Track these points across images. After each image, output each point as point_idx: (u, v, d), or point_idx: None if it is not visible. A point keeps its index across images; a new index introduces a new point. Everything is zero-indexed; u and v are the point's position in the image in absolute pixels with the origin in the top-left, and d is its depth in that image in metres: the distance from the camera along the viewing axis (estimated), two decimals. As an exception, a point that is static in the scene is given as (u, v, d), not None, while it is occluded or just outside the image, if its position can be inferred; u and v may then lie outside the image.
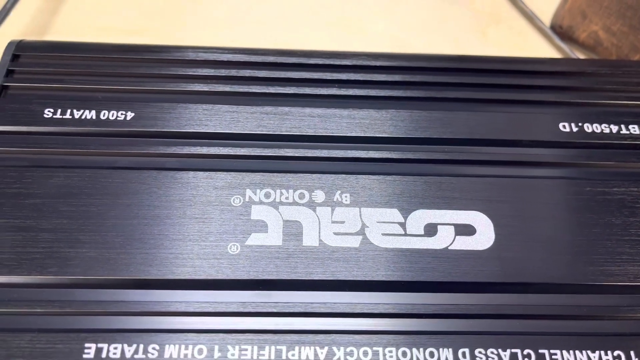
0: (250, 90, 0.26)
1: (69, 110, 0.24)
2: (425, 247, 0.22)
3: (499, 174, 0.24)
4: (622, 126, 0.25)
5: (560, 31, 0.37)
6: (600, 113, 0.26)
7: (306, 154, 0.24)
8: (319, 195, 0.23)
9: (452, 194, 0.23)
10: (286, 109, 0.25)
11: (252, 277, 0.21)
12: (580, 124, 0.25)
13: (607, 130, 0.25)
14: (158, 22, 0.36)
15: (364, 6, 0.39)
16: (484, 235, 0.22)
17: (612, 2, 0.33)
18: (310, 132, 0.24)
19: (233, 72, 0.26)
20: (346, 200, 0.23)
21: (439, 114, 0.25)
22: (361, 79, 0.26)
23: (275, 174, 0.23)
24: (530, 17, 0.38)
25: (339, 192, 0.23)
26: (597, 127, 0.25)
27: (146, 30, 0.36)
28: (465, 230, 0.22)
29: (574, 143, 0.25)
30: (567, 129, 0.25)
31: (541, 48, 0.37)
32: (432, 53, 0.28)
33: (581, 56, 0.36)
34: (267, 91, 0.26)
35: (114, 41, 0.28)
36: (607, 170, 0.24)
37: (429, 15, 0.38)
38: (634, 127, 0.25)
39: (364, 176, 0.23)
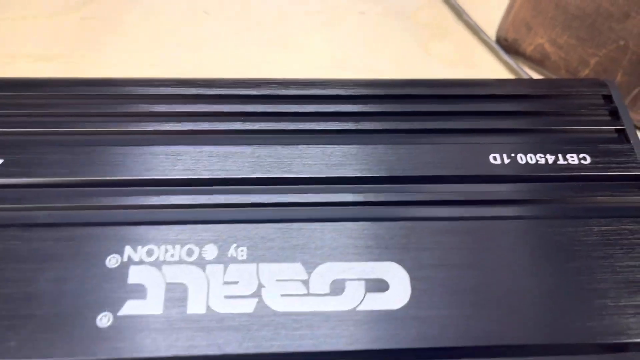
0: (136, 129, 0.23)
1: None
2: (329, 309, 0.19)
3: (418, 216, 0.21)
4: (560, 155, 0.23)
5: (505, 44, 0.34)
6: (535, 141, 0.23)
7: (199, 201, 0.21)
8: (211, 251, 0.20)
9: (364, 242, 0.20)
10: (179, 148, 0.22)
11: (124, 356, 0.18)
12: (513, 155, 0.23)
13: (542, 161, 0.23)
14: (69, 49, 0.33)
15: (302, 24, 0.36)
16: (399, 291, 0.19)
17: (557, 13, 0.31)
18: (206, 175, 0.21)
19: (115, 107, 0.23)
20: (242, 256, 0.20)
21: (354, 149, 0.22)
22: (269, 110, 0.24)
23: (160, 226, 0.20)
24: (475, 31, 0.36)
25: (234, 245, 0.20)
26: (531, 158, 0.23)
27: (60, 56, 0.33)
28: (377, 285, 0.19)
29: (505, 177, 0.22)
30: (498, 161, 0.23)
31: (487, 63, 0.35)
32: (350, 78, 0.25)
33: (529, 70, 0.34)
34: (157, 128, 0.23)
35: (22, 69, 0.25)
36: (542, 207, 0.22)
37: (370, 31, 0.36)
38: (572, 157, 0.23)
39: (264, 225, 0.20)
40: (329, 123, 0.23)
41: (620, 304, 0.19)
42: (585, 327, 0.19)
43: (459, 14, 0.36)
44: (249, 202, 0.21)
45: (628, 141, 0.23)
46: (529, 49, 0.33)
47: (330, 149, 0.22)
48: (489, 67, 0.34)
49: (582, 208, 0.22)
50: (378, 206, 0.21)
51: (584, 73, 0.32)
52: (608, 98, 0.25)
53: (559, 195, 0.22)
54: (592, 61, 0.31)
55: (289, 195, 0.21)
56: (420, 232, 0.21)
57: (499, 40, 0.35)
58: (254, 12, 0.36)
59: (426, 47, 0.35)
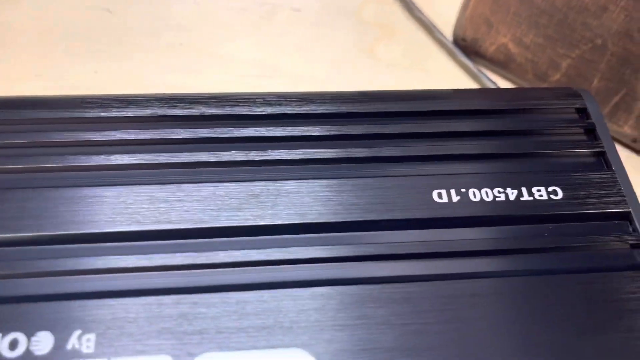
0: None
1: None
2: None
3: (333, 278, 0.16)
4: (523, 190, 0.18)
5: (464, 45, 0.29)
6: (492, 172, 0.18)
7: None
8: (45, 341, 0.14)
9: (262, 321, 0.15)
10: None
11: None
12: (463, 190, 0.18)
13: (501, 198, 0.17)
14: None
15: (224, 24, 0.30)
16: (306, 392, 0.14)
17: (521, 8, 0.26)
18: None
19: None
20: (89, 347, 0.14)
21: (258, 188, 0.17)
22: (150, 137, 0.18)
23: (-25, 308, 0.15)
24: (429, 29, 0.30)
25: (78, 332, 0.14)
26: (487, 194, 0.18)
27: None
28: (275, 384, 0.14)
29: (453, 220, 0.17)
30: (444, 199, 0.17)
31: (442, 67, 0.29)
32: (269, 91, 0.20)
33: (491, 75, 0.29)
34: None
35: None
36: (503, 261, 0.16)
37: (306, 31, 0.30)
38: (539, 191, 0.18)
39: (120, 300, 0.15)
40: (226, 153, 0.18)
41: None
42: None
43: (411, 9, 0.31)
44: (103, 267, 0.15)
45: (609, 167, 0.19)
46: (490, 49, 0.28)
47: (222, 188, 0.17)
48: (445, 72, 0.29)
49: (555, 259, 0.17)
50: (277, 265, 0.16)
51: (555, 78, 0.27)
52: (583, 112, 0.20)
53: (524, 244, 0.17)
54: (564, 64, 0.26)
55: (151, 255, 0.16)
56: (337, 302, 0.15)
57: (456, 40, 0.30)
58: (165, 9, 0.30)
59: (372, 49, 0.30)
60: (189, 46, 0.29)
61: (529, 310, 0.16)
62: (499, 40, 0.27)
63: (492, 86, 0.28)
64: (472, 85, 0.29)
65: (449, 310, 0.15)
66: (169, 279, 0.15)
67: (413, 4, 0.31)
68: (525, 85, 0.29)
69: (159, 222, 0.16)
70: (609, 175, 0.18)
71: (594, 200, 0.18)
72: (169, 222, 0.16)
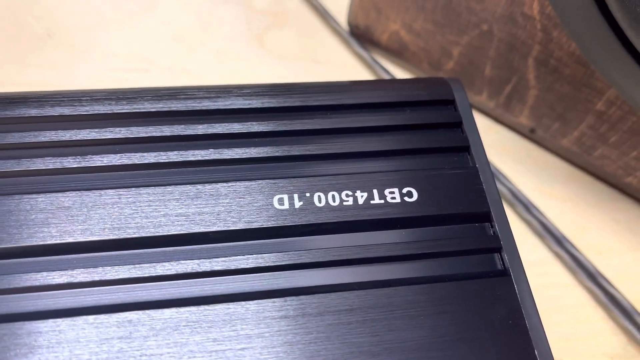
0: None
1: None
2: None
3: (147, 301, 0.14)
4: (375, 192, 0.16)
5: (358, 33, 0.27)
6: (340, 174, 0.16)
7: None
8: None
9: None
10: None
11: None
12: (307, 195, 0.16)
13: (349, 202, 0.16)
14: None
15: (98, 14, 0.28)
16: None
17: (406, -8, 0.24)
18: None
19: None
20: None
21: (53, 200, 0.15)
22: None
23: None
24: (324, 17, 0.29)
25: None
26: (333, 197, 0.16)
27: None
28: None
29: (294, 228, 0.15)
30: (285, 205, 0.16)
31: (337, 57, 0.28)
32: (140, 87, 0.17)
33: (387, 64, 0.27)
34: None
35: None
36: (348, 272, 0.15)
37: (190, 19, 0.28)
38: (392, 193, 0.16)
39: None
40: (37, 160, 0.15)
41: None
42: None
43: (306, -4, 0.29)
44: None
45: (473, 164, 0.17)
46: (383, 37, 0.26)
47: (28, 200, 0.15)
48: (339, 62, 0.27)
49: (405, 268, 0.15)
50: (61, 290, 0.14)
51: (449, 66, 0.25)
52: (451, 104, 0.18)
53: (372, 252, 0.15)
54: (455, 51, 0.24)
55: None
56: (148, 328, 0.13)
57: (351, 29, 0.28)
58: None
59: (261, 38, 0.28)
60: (56, 39, 0.26)
61: (372, 324, 0.14)
62: (390, 27, 0.26)
63: (386, 77, 0.26)
64: (367, 76, 0.27)
65: (277, 335, 0.14)
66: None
67: (309, -10, 0.29)
68: (423, 75, 0.27)
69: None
70: (471, 173, 0.17)
71: (452, 201, 0.16)
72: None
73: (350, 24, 0.28)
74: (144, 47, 0.26)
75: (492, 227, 0.16)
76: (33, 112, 0.16)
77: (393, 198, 0.16)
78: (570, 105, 0.23)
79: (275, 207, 0.15)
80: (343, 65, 0.27)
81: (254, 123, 0.17)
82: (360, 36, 0.27)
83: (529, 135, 0.26)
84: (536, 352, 0.14)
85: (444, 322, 0.14)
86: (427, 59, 0.26)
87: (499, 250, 0.16)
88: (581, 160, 0.25)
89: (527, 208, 0.24)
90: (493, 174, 0.17)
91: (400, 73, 0.27)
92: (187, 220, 0.15)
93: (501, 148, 0.26)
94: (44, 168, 0.15)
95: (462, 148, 0.17)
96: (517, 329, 0.14)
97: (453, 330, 0.14)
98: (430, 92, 0.18)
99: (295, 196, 0.16)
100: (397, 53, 0.27)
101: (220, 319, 0.14)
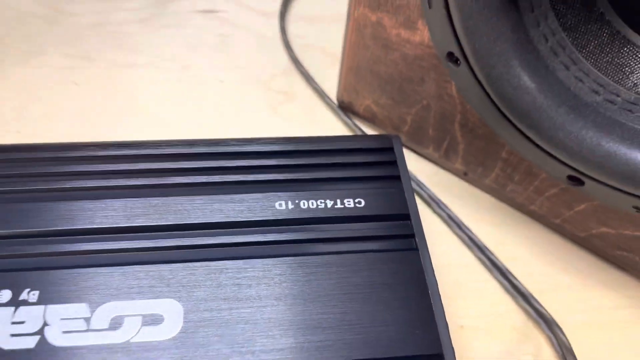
0: None
1: None
2: (104, 342, 0.21)
3: (205, 257, 0.24)
4: (338, 201, 0.26)
5: (343, 106, 0.39)
6: (316, 190, 0.27)
7: None
8: (5, 295, 0.22)
9: (148, 282, 0.23)
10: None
11: None
12: (297, 201, 0.26)
13: (322, 206, 0.26)
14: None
15: (156, 93, 0.40)
16: (172, 324, 0.22)
17: (373, 79, 0.35)
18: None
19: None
20: (33, 298, 0.22)
21: (155, 201, 0.26)
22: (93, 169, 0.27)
23: (-38, 275, 0.23)
24: (321, 95, 0.40)
25: (27, 290, 0.22)
26: (312, 203, 0.26)
27: None
28: (153, 319, 0.22)
29: (289, 220, 0.26)
30: (284, 207, 0.26)
31: (329, 122, 0.39)
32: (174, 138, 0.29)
33: (364, 127, 0.38)
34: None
35: None
36: (320, 246, 0.25)
37: (225, 97, 0.40)
38: (349, 201, 0.26)
39: (53, 271, 0.23)
40: (134, 179, 0.26)
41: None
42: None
43: (308, 80, 0.41)
44: (43, 252, 0.24)
45: (401, 188, 0.27)
46: (360, 109, 0.38)
47: (132, 201, 0.25)
48: (330, 125, 0.38)
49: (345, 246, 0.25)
50: (164, 251, 0.24)
51: (405, 129, 0.36)
52: (390, 151, 0.29)
53: (338, 230, 0.25)
54: (408, 119, 0.35)
55: (82, 244, 0.24)
56: (203, 272, 0.23)
57: (339, 103, 0.39)
58: (117, 81, 0.40)
59: (275, 109, 0.39)
60: (130, 109, 0.38)
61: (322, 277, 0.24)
62: (365, 102, 0.37)
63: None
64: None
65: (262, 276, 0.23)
66: (87, 259, 0.24)
67: (310, 76, 0.41)
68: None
69: None
70: (399, 188, 0.27)
71: (384, 206, 0.26)
72: None
73: (338, 100, 0.39)
74: (192, 115, 0.38)
75: (410, 222, 0.26)
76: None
77: (349, 203, 0.26)
78: (486, 155, 0.33)
79: (276, 208, 0.26)
80: (332, 128, 0.38)
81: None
82: (345, 108, 0.39)
83: (463, 177, 0.36)
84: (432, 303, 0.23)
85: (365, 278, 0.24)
86: (390, 124, 0.37)
87: (413, 236, 0.25)
88: (499, 195, 0.35)
89: (460, 227, 0.34)
90: (413, 190, 0.27)
91: (371, 133, 0.38)
92: (213, 215, 0.25)
93: (443, 186, 0.36)
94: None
95: (396, 177, 0.27)
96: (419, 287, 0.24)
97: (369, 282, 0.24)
98: (379, 142, 0.29)
99: (289, 202, 0.26)
100: (370, 120, 0.38)
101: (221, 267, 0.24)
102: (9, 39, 0.41)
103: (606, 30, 0.27)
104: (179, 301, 0.23)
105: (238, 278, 0.23)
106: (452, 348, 0.22)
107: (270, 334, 0.22)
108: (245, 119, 0.38)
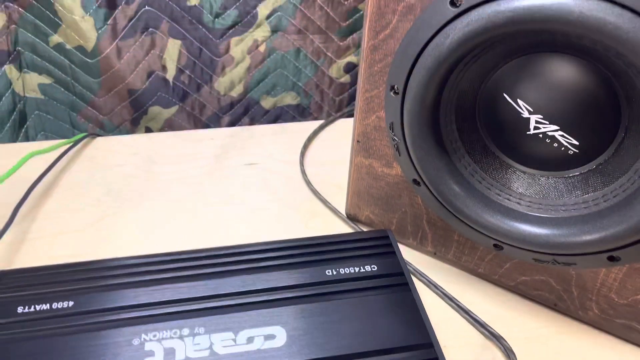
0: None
1: (36, 306, 0.41)
2: (245, 350, 0.38)
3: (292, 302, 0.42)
4: (360, 268, 0.45)
5: (351, 217, 0.59)
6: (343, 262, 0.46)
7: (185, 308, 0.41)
8: (185, 331, 0.40)
9: (264, 319, 0.41)
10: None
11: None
12: (337, 270, 0.45)
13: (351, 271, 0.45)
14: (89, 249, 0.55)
15: (234, 219, 0.59)
16: (280, 339, 0.39)
17: (368, 197, 0.56)
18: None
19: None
20: (201, 331, 0.40)
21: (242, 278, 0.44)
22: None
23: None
24: (335, 212, 0.60)
25: (197, 327, 0.40)
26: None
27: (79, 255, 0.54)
28: (269, 337, 0.39)
29: (332, 280, 0.44)
30: (330, 273, 0.44)
31: (341, 229, 0.58)
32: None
33: (366, 230, 0.58)
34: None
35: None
36: (350, 297, 0.43)
37: (271, 219, 0.60)
38: (356, 269, 0.45)
39: (215, 317, 0.41)
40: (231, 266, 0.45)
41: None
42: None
43: (325, 203, 0.61)
44: (204, 307, 0.41)
45: (398, 265, 0.46)
46: (362, 218, 0.58)
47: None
48: (343, 230, 0.58)
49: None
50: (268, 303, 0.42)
51: (392, 228, 0.56)
52: (386, 239, 0.48)
53: (361, 286, 0.43)
54: (394, 221, 0.55)
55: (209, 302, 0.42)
56: (292, 312, 0.41)
57: (348, 215, 0.59)
58: (201, 215, 0.59)
59: (307, 224, 0.59)
60: (208, 229, 0.57)
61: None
62: (365, 213, 0.57)
63: (366, 236, 0.57)
64: (358, 236, 0.58)
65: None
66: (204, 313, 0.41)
67: (326, 200, 0.61)
68: (383, 233, 0.57)
69: None
70: (395, 262, 0.46)
71: (381, 267, 0.45)
72: None
73: (347, 213, 0.59)
74: (254, 229, 0.57)
75: (403, 276, 0.44)
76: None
77: (356, 270, 0.45)
78: (445, 239, 0.53)
79: (326, 274, 0.44)
80: (345, 231, 0.58)
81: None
82: (352, 218, 0.59)
83: (434, 255, 0.55)
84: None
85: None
86: (383, 225, 0.56)
87: (406, 284, 0.44)
88: (457, 264, 0.54)
89: (435, 286, 0.52)
90: (405, 261, 0.46)
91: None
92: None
93: (422, 262, 0.55)
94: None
95: (391, 253, 0.47)
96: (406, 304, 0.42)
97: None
98: (378, 233, 0.48)
99: (334, 270, 0.45)
100: (369, 224, 0.58)
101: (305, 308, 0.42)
102: (121, 193, 0.62)
103: (497, 161, 0.49)
104: (282, 327, 0.40)
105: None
106: (439, 343, 0.40)
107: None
108: (286, 232, 0.58)
